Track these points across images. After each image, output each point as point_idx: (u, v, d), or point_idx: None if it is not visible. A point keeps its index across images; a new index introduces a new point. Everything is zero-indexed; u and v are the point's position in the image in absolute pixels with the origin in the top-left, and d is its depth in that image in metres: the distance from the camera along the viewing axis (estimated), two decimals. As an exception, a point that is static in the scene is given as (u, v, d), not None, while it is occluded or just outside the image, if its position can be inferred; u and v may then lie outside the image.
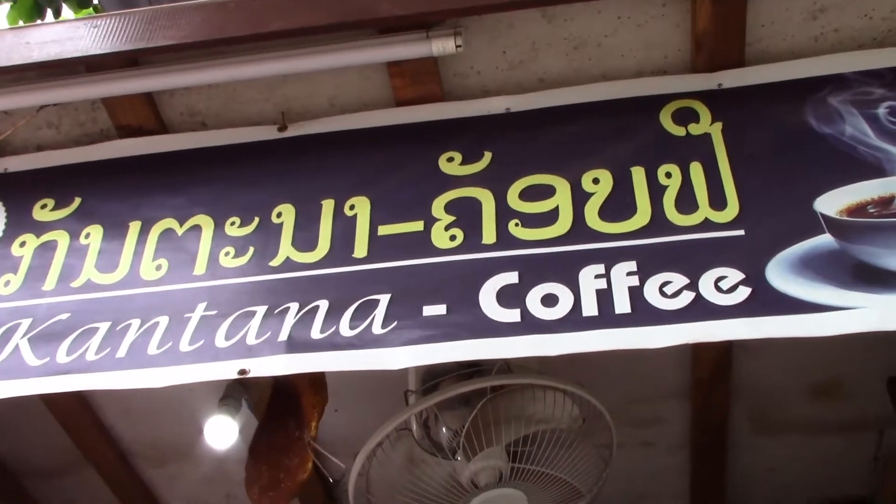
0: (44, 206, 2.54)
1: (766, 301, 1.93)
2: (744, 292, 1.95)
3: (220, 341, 2.11)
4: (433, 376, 2.57)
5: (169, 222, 2.43)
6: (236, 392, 3.10)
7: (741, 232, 2.08)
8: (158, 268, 2.34)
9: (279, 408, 2.68)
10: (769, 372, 3.11)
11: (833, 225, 2.03)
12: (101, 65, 2.50)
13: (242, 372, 2.05)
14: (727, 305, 1.95)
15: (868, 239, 2.00)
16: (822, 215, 2.05)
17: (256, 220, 2.37)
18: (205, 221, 2.41)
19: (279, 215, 2.37)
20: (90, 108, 2.64)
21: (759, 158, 2.21)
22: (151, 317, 2.20)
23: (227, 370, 2.06)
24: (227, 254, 2.32)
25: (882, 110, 2.21)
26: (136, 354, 2.13)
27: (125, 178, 2.56)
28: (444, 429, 2.49)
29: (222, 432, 3.02)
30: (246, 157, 2.54)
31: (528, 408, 2.40)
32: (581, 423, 2.48)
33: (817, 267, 1.98)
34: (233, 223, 2.38)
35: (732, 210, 2.12)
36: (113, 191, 2.54)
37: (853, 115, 2.22)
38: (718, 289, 1.98)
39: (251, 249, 2.32)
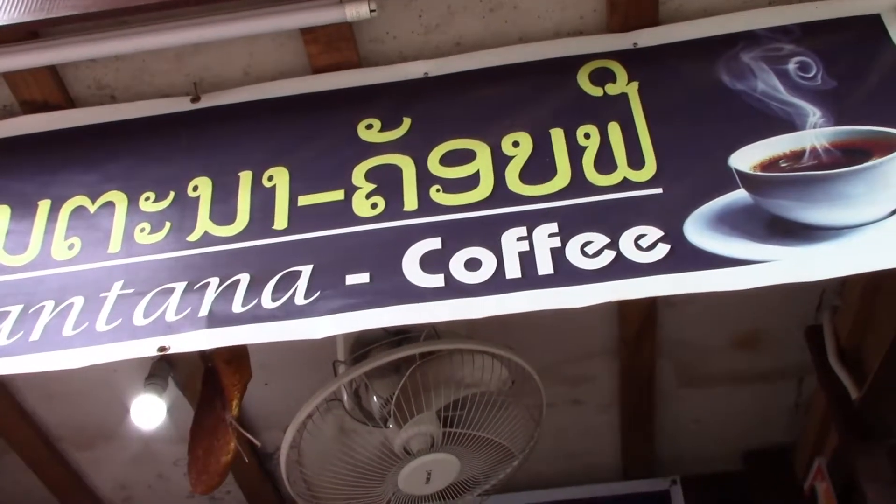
0: (-54, 187, 2.44)
1: (684, 257, 1.96)
2: (663, 249, 1.98)
3: (139, 319, 2.06)
4: (362, 345, 2.56)
5: (80, 200, 2.35)
6: (162, 371, 3.05)
7: (659, 190, 2.10)
8: (71, 247, 2.27)
9: (208, 388, 2.63)
10: (693, 326, 3.18)
11: (747, 180, 2.07)
12: (1, 37, 2.39)
13: (162, 349, 2.00)
14: (647, 263, 1.97)
15: (780, 193, 2.04)
16: (737, 171, 2.08)
17: (172, 194, 2.31)
18: (118, 198, 2.34)
19: (195, 189, 2.31)
20: (-9, 84, 2.53)
21: (674, 117, 2.23)
22: (66, 297, 2.14)
23: (145, 348, 2.01)
24: (142, 230, 2.26)
25: (792, 66, 2.25)
26: (50, 336, 2.06)
27: (32, 155, 2.47)
28: (374, 397, 2.49)
29: (149, 412, 2.98)
30: (159, 131, 2.46)
31: (457, 373, 2.41)
32: (510, 385, 2.50)
33: (733, 222, 2.01)
34: (147, 198, 2.32)
35: (650, 169, 2.14)
36: (19, 169, 2.45)
37: (764, 71, 2.25)
38: (638, 247, 2.00)
39: (168, 225, 2.26)
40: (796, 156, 2.09)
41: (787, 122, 2.15)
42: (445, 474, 2.51)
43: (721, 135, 2.16)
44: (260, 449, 2.59)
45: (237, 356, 2.50)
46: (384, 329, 2.52)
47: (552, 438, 2.92)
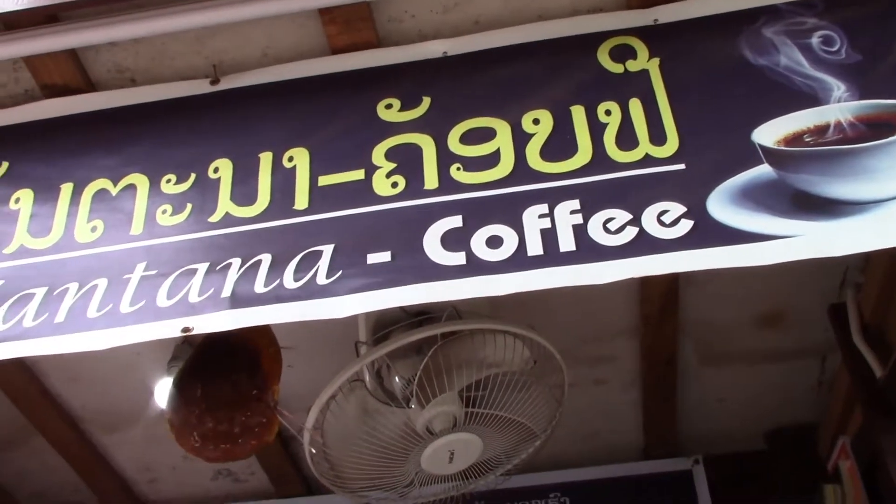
0: (-31, 173, 2.46)
1: (707, 233, 1.95)
2: (686, 225, 1.97)
3: (162, 300, 2.07)
4: (383, 326, 2.57)
5: (102, 183, 2.36)
6: (185, 352, 3.05)
7: (682, 166, 2.09)
8: (94, 229, 2.28)
9: (220, 361, 2.63)
10: (715, 304, 3.16)
11: (771, 155, 2.05)
12: (19, 22, 2.40)
13: (186, 330, 2.01)
14: (670, 239, 1.95)
15: (805, 167, 2.02)
16: (760, 146, 2.06)
17: (193, 176, 2.32)
18: (139, 180, 2.34)
19: (216, 170, 2.32)
20: (11, 69, 2.53)
21: (696, 92, 2.21)
22: (89, 279, 2.15)
23: (169, 329, 2.02)
24: (164, 212, 2.27)
25: (815, 40, 2.22)
26: (75, 318, 2.08)
27: (54, 139, 2.48)
28: (396, 378, 2.49)
29: (173, 394, 2.99)
30: (179, 113, 2.47)
31: (479, 352, 2.41)
32: (532, 364, 2.50)
33: (757, 197, 1.99)
34: (169, 180, 2.33)
35: (672, 145, 2.12)
36: (42, 153, 2.46)
37: (787, 45, 2.22)
38: (661, 223, 1.98)
39: (189, 206, 2.27)
40: (820, 130, 2.06)
41: (811, 97, 2.12)
42: (468, 454, 2.51)
43: (744, 110, 2.14)
44: (283, 430, 2.60)
45: (275, 343, 2.51)
46: (405, 310, 2.52)
47: (574, 418, 2.92)
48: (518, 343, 2.43)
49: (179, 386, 2.68)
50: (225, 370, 2.58)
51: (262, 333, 2.57)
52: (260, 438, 2.46)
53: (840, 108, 2.08)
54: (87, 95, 2.55)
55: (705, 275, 1.95)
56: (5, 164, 2.45)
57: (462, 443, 2.46)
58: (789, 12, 2.29)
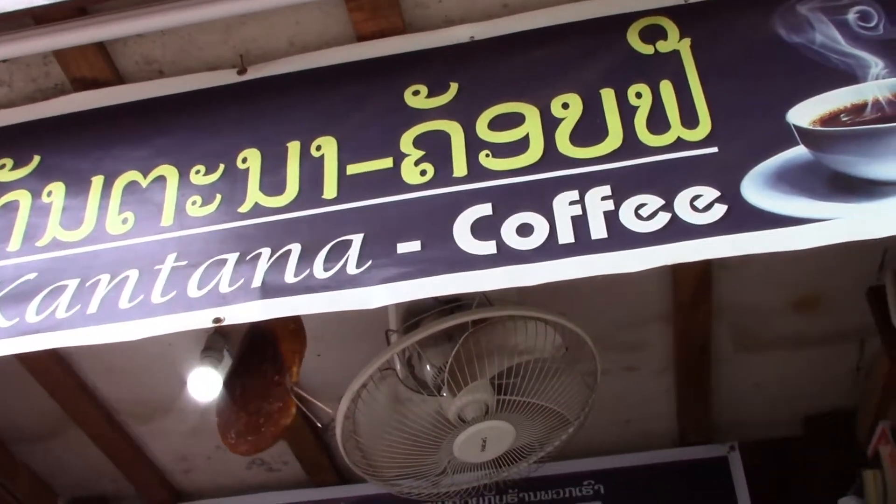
0: (2, 167, 2.48)
1: (742, 217, 1.91)
2: (720, 210, 1.93)
3: (193, 291, 2.08)
4: (413, 314, 2.56)
5: (132, 175, 2.37)
6: (217, 343, 3.09)
7: (714, 149, 2.05)
8: (125, 221, 2.29)
9: (255, 354, 2.65)
10: (750, 289, 3.11)
11: (807, 136, 2.00)
12: (49, 16, 2.42)
13: (217, 320, 2.02)
14: (704, 224, 1.92)
15: (842, 148, 1.98)
16: (796, 127, 2.02)
17: (222, 166, 2.32)
18: (169, 171, 2.35)
19: (244, 161, 2.32)
20: (42, 63, 2.55)
21: (729, 73, 2.17)
22: (121, 271, 2.17)
23: (201, 319, 2.03)
24: (194, 203, 2.28)
25: (852, 16, 2.16)
26: (107, 309, 2.09)
27: (84, 132, 2.50)
28: (427, 366, 2.49)
29: (206, 384, 3.02)
30: (207, 104, 2.47)
31: (510, 340, 2.40)
32: (564, 351, 2.48)
33: (792, 180, 1.95)
34: (198, 171, 2.33)
35: (705, 127, 2.08)
36: (72, 146, 2.48)
37: (823, 22, 2.17)
38: (694, 208, 1.95)
39: (218, 197, 2.27)
40: (858, 109, 2.01)
41: (848, 75, 2.07)
42: (500, 442, 2.50)
43: (778, 90, 2.09)
44: (315, 417, 2.61)
45: (296, 323, 2.52)
46: (436, 297, 2.51)
47: (607, 405, 2.89)
48: (549, 330, 2.41)
49: (226, 384, 2.72)
50: (257, 362, 2.60)
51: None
52: (278, 424, 2.48)
53: (878, 85, 2.03)
54: (116, 88, 2.56)
55: (739, 259, 1.91)
56: (37, 158, 2.47)
57: (494, 430, 2.45)
58: (825, -12, 2.24)
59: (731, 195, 1.95)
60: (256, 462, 3.69)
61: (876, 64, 2.07)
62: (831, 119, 2.02)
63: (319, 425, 2.72)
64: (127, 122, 2.49)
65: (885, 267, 2.99)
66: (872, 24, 2.14)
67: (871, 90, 2.03)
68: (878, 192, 1.89)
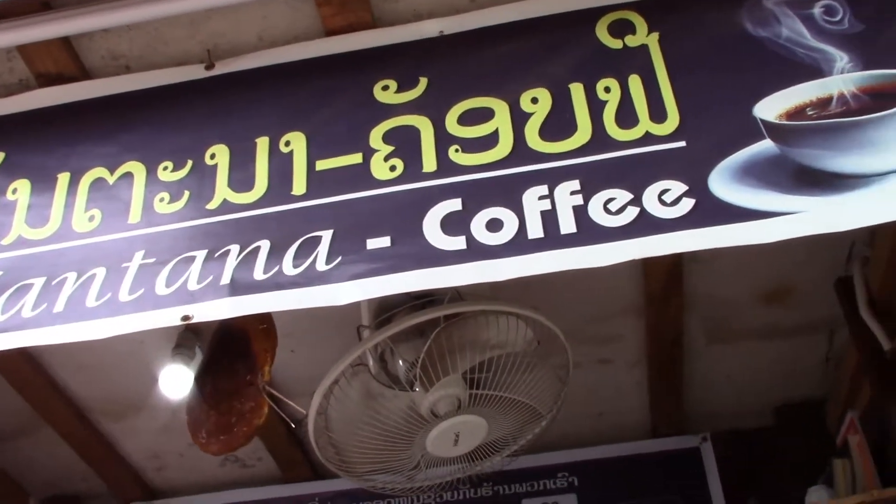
0: (-33, 164, 2.44)
1: (709, 211, 1.92)
2: (688, 204, 1.94)
3: (161, 289, 2.06)
4: (385, 310, 2.56)
5: (99, 171, 2.35)
6: (188, 339, 3.07)
7: (682, 143, 2.06)
8: (91, 219, 2.27)
9: (226, 352, 2.64)
10: (720, 282, 3.13)
11: (773, 130, 2.02)
12: (12, 10, 2.38)
13: (186, 318, 2.00)
14: (672, 218, 1.93)
15: (808, 142, 1.99)
16: (762, 121, 2.03)
17: (190, 163, 2.30)
18: (136, 168, 2.33)
19: (213, 157, 2.30)
20: (5, 58, 2.51)
21: (697, 67, 2.18)
22: (88, 269, 2.15)
23: (169, 317, 2.01)
24: (161, 199, 2.26)
25: (817, 10, 2.18)
26: (74, 308, 2.07)
27: (49, 128, 2.47)
28: (400, 361, 2.49)
29: (178, 381, 3.00)
30: (174, 99, 2.45)
31: (482, 334, 2.40)
32: (536, 345, 2.49)
33: (759, 173, 1.97)
34: (165, 168, 2.31)
35: (673, 122, 2.09)
36: (38, 143, 2.45)
37: (789, 16, 2.19)
38: (662, 202, 1.96)
39: (186, 193, 2.25)
40: (823, 103, 2.03)
41: (814, 69, 2.09)
42: (473, 436, 2.51)
43: (745, 84, 2.10)
44: (288, 416, 2.60)
45: (267, 321, 2.50)
46: (407, 293, 2.51)
47: (579, 398, 2.91)
48: (521, 324, 2.42)
49: (197, 382, 2.70)
50: (227, 360, 2.59)
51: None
52: (251, 424, 2.47)
53: (843, 79, 2.05)
54: (82, 83, 2.53)
55: (710, 252, 1.92)
56: (2, 155, 2.45)
57: (467, 425, 2.46)
58: (790, -18, 2.25)
59: (698, 189, 1.96)
60: (230, 459, 3.68)
61: (841, 58, 2.08)
62: (797, 113, 2.03)
63: (293, 425, 2.72)
64: (93, 118, 2.46)
65: (853, 258, 3.03)
66: (837, 18, 2.16)
67: (836, 84, 2.04)
68: (843, 185, 1.91)
